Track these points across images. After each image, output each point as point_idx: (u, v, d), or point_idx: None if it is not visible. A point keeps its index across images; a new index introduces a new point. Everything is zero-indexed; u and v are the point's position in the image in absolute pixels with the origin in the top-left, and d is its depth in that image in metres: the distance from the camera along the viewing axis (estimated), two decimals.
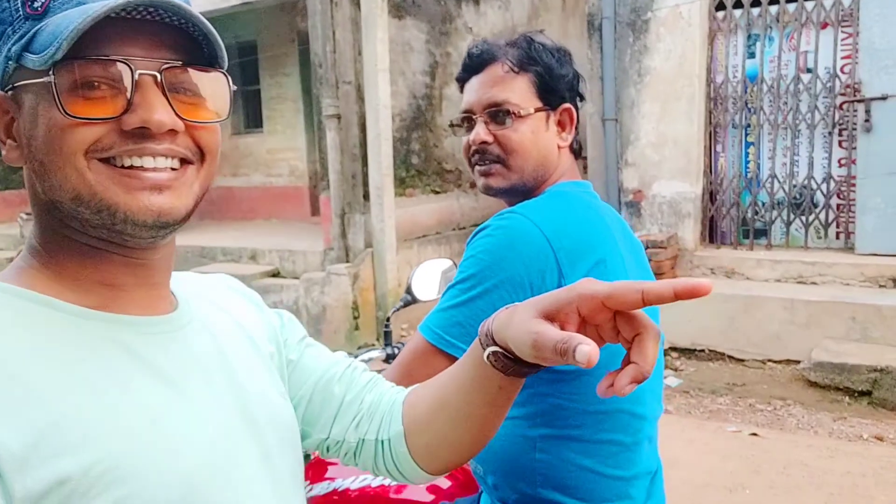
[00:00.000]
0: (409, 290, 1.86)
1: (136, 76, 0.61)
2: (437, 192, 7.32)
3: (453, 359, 1.08)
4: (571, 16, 9.45)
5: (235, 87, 0.69)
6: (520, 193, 1.27)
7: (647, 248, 5.13)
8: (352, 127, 6.12)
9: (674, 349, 4.95)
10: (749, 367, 4.66)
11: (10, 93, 0.64)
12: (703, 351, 4.90)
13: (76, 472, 0.57)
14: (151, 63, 0.62)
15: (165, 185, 0.63)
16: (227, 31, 9.05)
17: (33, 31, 0.61)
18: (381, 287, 6.02)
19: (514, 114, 1.21)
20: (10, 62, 0.63)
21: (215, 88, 0.67)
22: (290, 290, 6.31)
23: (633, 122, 5.41)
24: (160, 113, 0.61)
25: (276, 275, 6.74)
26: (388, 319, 1.88)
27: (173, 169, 0.64)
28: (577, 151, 1.32)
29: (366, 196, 6.10)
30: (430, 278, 1.84)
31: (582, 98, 1.31)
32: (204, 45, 0.65)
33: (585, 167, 5.91)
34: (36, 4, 0.62)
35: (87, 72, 0.60)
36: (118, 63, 0.60)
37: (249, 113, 9.89)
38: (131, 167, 0.62)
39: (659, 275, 5.10)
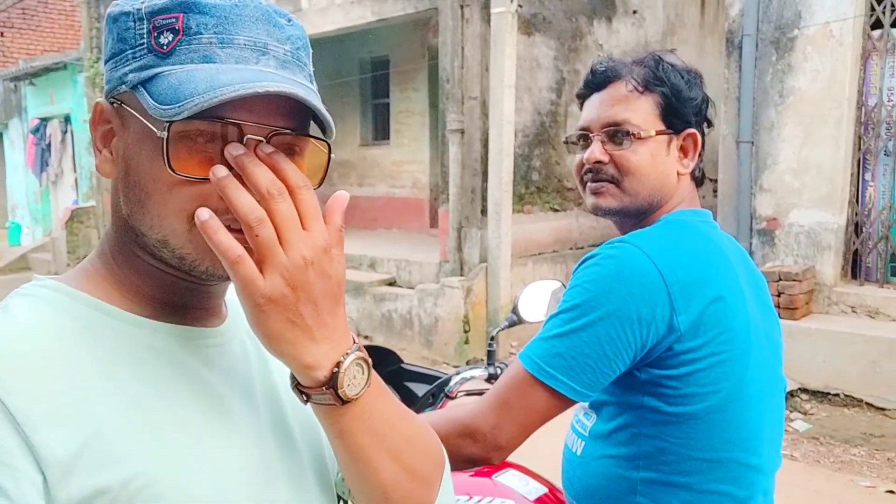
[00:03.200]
0: (515, 310, 1.82)
1: (245, 140, 0.61)
2: (556, 210, 7.21)
3: (551, 391, 1.03)
4: (710, 33, 9.07)
5: (334, 156, 0.69)
6: (631, 216, 1.20)
7: (779, 279, 4.79)
8: (474, 142, 6.16)
9: (804, 391, 4.58)
10: (889, 417, 4.23)
11: (114, 106, 0.65)
12: (837, 395, 4.50)
13: (116, 484, 0.57)
14: (261, 129, 0.62)
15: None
16: (362, 47, 9.42)
17: (156, 70, 0.61)
18: (493, 302, 5.99)
19: (633, 135, 1.15)
20: (123, 84, 0.63)
21: (315, 159, 0.67)
22: (404, 299, 6.42)
23: (772, 146, 5.09)
24: None
25: (392, 283, 6.88)
26: (492, 338, 1.85)
27: None
28: (700, 179, 1.23)
29: (484, 211, 6.11)
30: (537, 299, 1.79)
31: (710, 124, 1.23)
32: (313, 114, 0.65)
33: (715, 191, 5.62)
34: (163, 41, 0.62)
35: (198, 130, 0.60)
36: (230, 125, 0.61)
37: (378, 125, 10.21)
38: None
39: (791, 309, 4.74)
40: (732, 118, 5.24)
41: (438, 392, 1.74)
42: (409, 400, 1.82)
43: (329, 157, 0.68)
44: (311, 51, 0.70)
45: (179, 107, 0.58)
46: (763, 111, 5.11)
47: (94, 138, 0.67)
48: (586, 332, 1.03)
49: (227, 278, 0.63)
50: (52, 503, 0.55)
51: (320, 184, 0.68)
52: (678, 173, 1.18)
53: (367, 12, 7.09)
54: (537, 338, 1.08)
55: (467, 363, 5.74)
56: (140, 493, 0.58)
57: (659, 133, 1.16)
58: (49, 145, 11.97)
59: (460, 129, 6.13)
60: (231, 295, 0.77)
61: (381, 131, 10.13)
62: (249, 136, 0.61)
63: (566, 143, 1.28)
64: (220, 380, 0.69)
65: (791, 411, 4.46)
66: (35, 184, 12.53)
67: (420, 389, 1.83)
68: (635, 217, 1.20)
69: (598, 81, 1.20)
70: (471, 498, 1.47)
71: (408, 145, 9.58)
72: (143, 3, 0.63)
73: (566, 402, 1.05)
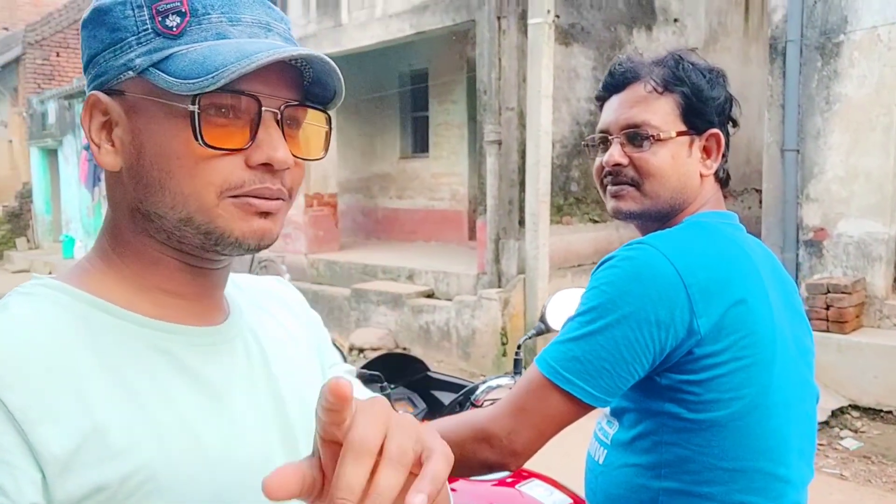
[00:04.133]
0: (542, 319, 1.79)
1: (262, 112, 0.63)
2: (596, 222, 7.13)
3: (567, 395, 1.01)
4: (754, 40, 8.90)
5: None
6: (653, 219, 1.17)
7: (827, 292, 4.63)
8: (512, 153, 6.14)
9: (854, 407, 4.40)
10: None
11: (115, 98, 0.65)
12: (890, 413, 4.32)
13: (114, 480, 0.57)
14: (274, 101, 0.64)
15: (272, 211, 0.66)
16: (401, 60, 9.51)
17: (170, 51, 0.62)
18: (531, 314, 5.94)
19: (653, 136, 1.12)
20: (128, 71, 0.64)
21: (318, 128, 0.70)
22: (442, 311, 6.41)
23: (818, 154, 4.95)
24: (282, 151, 0.64)
25: (430, 295, 6.88)
26: (518, 347, 1.83)
27: (276, 198, 0.67)
28: (725, 181, 1.20)
29: (521, 222, 6.07)
30: (565, 307, 1.76)
31: (735, 124, 1.19)
32: (316, 86, 0.68)
33: (760, 201, 5.48)
34: (170, 23, 0.63)
35: (223, 103, 0.62)
36: (250, 98, 0.63)
37: (417, 138, 10.28)
38: (247, 194, 0.65)
39: (841, 323, 4.58)
40: (777, 126, 5.12)
41: (465, 400, 1.73)
42: (436, 408, 1.81)
43: (330, 128, 0.71)
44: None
45: (214, 77, 0.59)
46: (809, 119, 4.97)
47: (89, 132, 0.67)
48: (603, 335, 1.00)
49: (255, 249, 0.66)
50: (52, 500, 0.55)
51: (325, 153, 0.72)
52: (701, 175, 1.15)
53: (406, 26, 7.16)
54: (554, 341, 1.06)
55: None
56: (139, 489, 0.58)
57: (680, 134, 1.13)
58: None
59: (498, 140, 6.12)
60: (232, 290, 0.78)
61: (420, 144, 10.19)
62: (266, 107, 0.63)
63: (585, 146, 1.25)
64: (221, 377, 0.68)
65: (841, 429, 4.29)
66: (88, 198, 12.94)
67: (446, 398, 1.82)
68: (657, 220, 1.17)
69: (616, 83, 1.17)
70: None
71: (446, 157, 9.62)
72: None
73: (584, 408, 1.02)
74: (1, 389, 0.55)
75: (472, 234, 8.24)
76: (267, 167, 0.64)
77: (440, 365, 6.12)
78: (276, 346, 0.78)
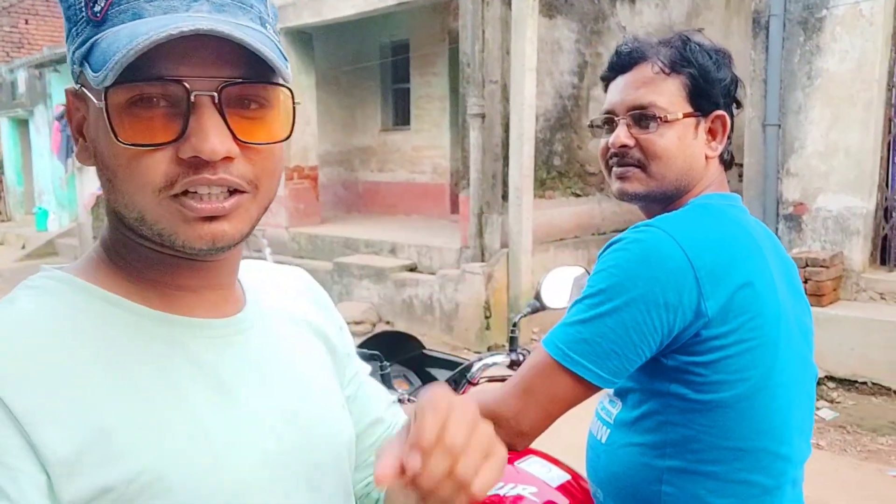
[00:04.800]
0: (537, 297, 1.80)
1: (193, 97, 0.57)
2: (578, 196, 7.15)
3: (575, 376, 1.02)
4: (736, 14, 8.89)
5: (300, 102, 0.64)
6: (658, 201, 1.17)
7: (805, 265, 4.71)
8: (495, 126, 6.11)
9: (830, 378, 4.51)
10: None
11: (80, 92, 0.62)
12: (864, 384, 4.43)
13: (121, 481, 0.56)
14: (209, 82, 0.58)
15: (220, 213, 0.60)
16: (381, 31, 9.38)
17: (93, 39, 0.58)
18: (514, 289, 5.97)
19: (659, 118, 1.12)
20: (75, 65, 0.61)
21: (279, 105, 0.62)
22: (425, 284, 6.42)
23: (799, 129, 4.99)
24: (212, 141, 0.57)
25: (413, 269, 6.88)
26: (514, 325, 1.83)
27: (231, 193, 0.61)
28: (729, 162, 1.20)
29: (505, 196, 6.07)
30: (560, 285, 1.77)
31: (739, 105, 1.20)
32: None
33: (741, 175, 5.54)
34: (96, 9, 0.58)
35: (141, 93, 0.57)
36: (173, 83, 0.57)
37: (398, 110, 10.18)
38: (185, 193, 0.59)
39: (819, 296, 4.66)
40: (759, 101, 5.14)
41: (460, 378, 1.73)
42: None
43: (294, 104, 0.63)
44: None
45: (105, 71, 0.55)
46: (790, 93, 5.00)
47: (71, 129, 0.65)
48: (611, 317, 1.01)
49: (213, 250, 0.62)
50: (59, 503, 0.54)
51: (290, 133, 0.64)
52: (706, 156, 1.15)
53: None
54: (561, 323, 1.06)
55: (488, 349, 5.74)
56: (147, 489, 0.57)
57: (686, 115, 1.13)
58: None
59: (481, 113, 6.08)
60: (248, 275, 0.75)
61: (401, 116, 10.10)
62: (197, 91, 0.57)
63: (591, 126, 1.25)
64: (231, 372, 0.66)
65: (818, 399, 4.40)
66: (61, 170, 12.66)
67: (442, 375, 1.82)
68: (662, 202, 1.17)
69: (623, 63, 1.17)
70: None
71: (428, 130, 9.55)
72: None
73: (591, 389, 1.03)
74: (4, 390, 0.53)
75: (455, 208, 8.23)
76: (199, 160, 0.58)
77: (423, 339, 6.12)
78: (293, 333, 0.76)
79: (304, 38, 8.37)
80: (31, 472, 0.53)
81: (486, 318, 5.93)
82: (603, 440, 1.17)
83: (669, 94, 1.12)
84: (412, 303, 6.52)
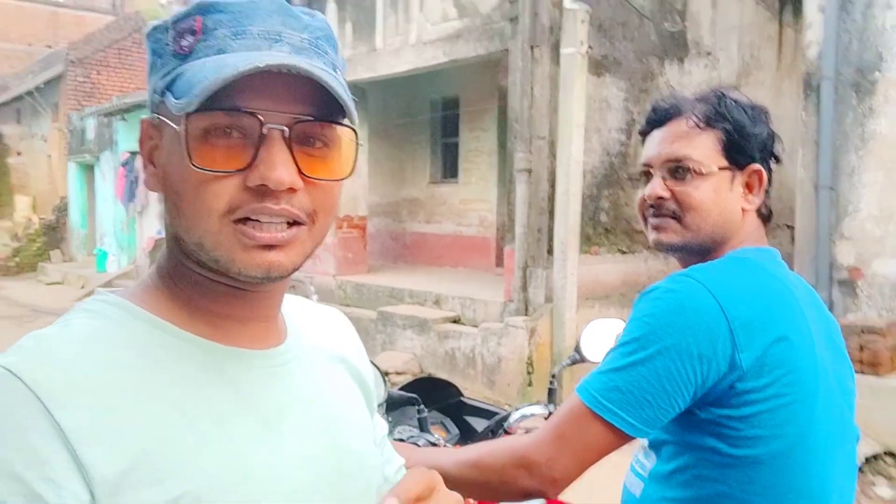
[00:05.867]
0: (577, 349, 1.80)
1: (265, 130, 0.61)
2: (625, 252, 7.10)
3: (608, 425, 1.02)
4: (787, 76, 8.87)
5: (363, 144, 0.68)
6: (694, 253, 1.18)
7: (861, 333, 4.55)
8: (541, 181, 6.17)
9: (890, 454, 4.29)
10: None
11: (156, 122, 0.66)
12: None
13: (162, 503, 0.57)
14: (281, 117, 0.61)
15: (278, 242, 0.63)
16: (432, 86, 9.63)
17: (177, 70, 0.63)
18: (557, 344, 5.91)
19: (694, 171, 1.14)
20: (156, 95, 0.65)
21: (342, 145, 0.66)
22: (468, 337, 6.41)
23: (852, 192, 4.90)
24: (279, 171, 0.61)
25: (456, 321, 6.88)
26: (553, 376, 1.83)
27: (289, 224, 0.64)
28: (767, 216, 1.21)
29: (550, 251, 6.07)
30: (600, 338, 1.77)
31: (777, 160, 1.21)
32: (337, 99, 0.63)
33: (792, 238, 5.43)
34: (184, 43, 0.63)
35: (218, 120, 0.61)
36: (249, 115, 0.61)
37: (447, 164, 10.35)
38: (247, 220, 0.62)
39: (875, 365, 4.48)
40: (810, 162, 5.08)
41: (497, 427, 1.74)
42: (468, 434, 1.82)
43: (357, 144, 0.67)
44: (336, 43, 0.68)
45: (189, 97, 0.59)
46: (843, 156, 4.94)
47: (143, 156, 0.69)
48: (645, 366, 1.01)
49: (266, 279, 0.64)
50: None
51: (351, 172, 0.67)
52: (743, 210, 1.17)
53: (440, 53, 7.27)
54: (596, 371, 1.07)
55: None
56: None
57: (721, 169, 1.14)
58: (137, 178, 12.63)
59: (528, 168, 6.15)
60: (289, 309, 0.77)
61: (449, 170, 10.27)
62: (270, 125, 0.61)
63: (630, 179, 1.29)
64: (272, 402, 0.68)
65: (874, 476, 4.19)
66: (122, 213, 13.21)
67: (479, 424, 1.83)
68: (699, 253, 1.18)
69: (659, 118, 1.20)
70: None
71: (476, 184, 9.67)
72: (171, 15, 0.66)
73: (624, 438, 1.03)
74: (55, 409, 0.55)
75: (500, 261, 8.25)
76: (264, 188, 0.61)
77: (465, 392, 6.07)
78: (331, 370, 0.78)
79: (357, 93, 8.46)
80: (75, 490, 0.54)
81: (529, 373, 5.87)
82: (637, 494, 1.16)
83: (704, 148, 1.14)
84: (454, 355, 6.51)
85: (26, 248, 15.48)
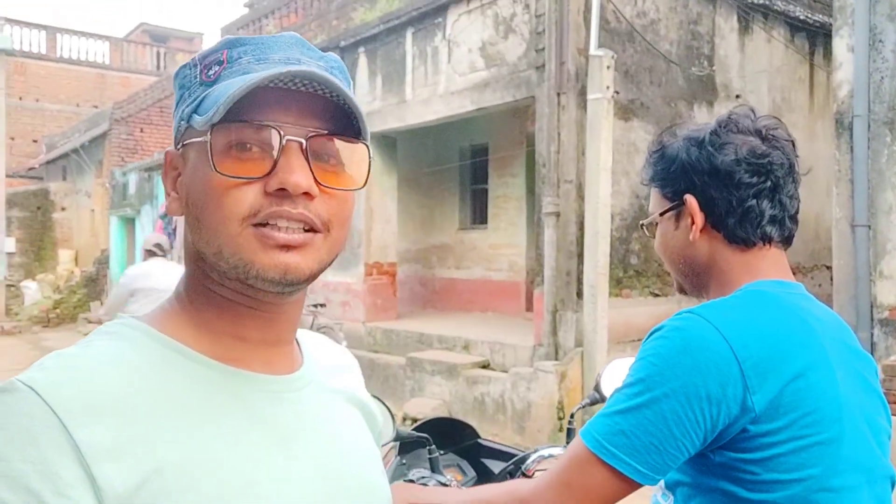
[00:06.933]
0: (597, 388, 1.75)
1: (284, 141, 0.65)
2: (657, 295, 6.98)
3: (613, 471, 0.97)
4: (820, 117, 8.78)
5: (373, 158, 0.72)
6: (697, 292, 1.21)
7: None
8: (570, 225, 6.14)
9: None
10: None
11: (180, 150, 0.71)
12: None
13: None
14: (299, 130, 0.66)
15: (294, 245, 0.66)
16: (461, 134, 9.76)
17: (203, 94, 0.68)
18: (588, 388, 5.78)
19: (649, 225, 1.25)
20: (182, 122, 0.70)
21: (356, 159, 0.70)
22: (497, 382, 6.32)
23: (890, 230, 4.78)
24: (297, 175, 0.64)
25: (486, 366, 6.80)
26: (571, 416, 1.78)
27: (305, 230, 0.67)
28: (788, 239, 1.13)
29: (579, 294, 6.01)
30: (620, 376, 1.72)
31: (730, 177, 1.11)
32: (351, 117, 0.68)
33: (831, 278, 5.29)
34: (210, 72, 0.69)
35: (240, 134, 0.65)
36: (269, 127, 0.65)
37: (476, 210, 10.41)
38: (266, 224, 0.65)
39: None
40: (846, 201, 4.98)
41: (515, 470, 1.68)
42: (485, 476, 1.77)
43: (370, 160, 0.71)
44: (349, 79, 0.74)
45: (214, 109, 0.63)
46: (879, 194, 4.83)
47: (165, 185, 0.73)
48: (650, 408, 0.96)
49: (283, 283, 0.66)
50: None
51: (364, 184, 0.71)
52: (692, 241, 1.15)
53: (468, 102, 7.37)
54: (600, 413, 1.02)
55: None
56: None
57: (663, 213, 1.19)
58: (174, 230, 12.96)
59: (556, 211, 6.14)
60: (304, 339, 0.80)
61: (479, 215, 10.31)
62: (289, 137, 0.65)
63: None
64: (286, 426, 0.70)
65: None
66: None
67: (496, 466, 1.77)
68: (701, 291, 1.20)
69: None
70: None
71: (504, 229, 9.68)
72: (198, 54, 0.72)
73: (631, 485, 0.98)
74: (72, 425, 0.57)
75: (529, 305, 8.17)
76: (283, 192, 0.65)
77: (495, 438, 5.96)
78: (342, 401, 0.80)
79: (388, 142, 8.80)
80: None
81: (560, 418, 5.74)
82: None
83: (653, 201, 1.23)
84: (483, 400, 6.41)
85: (67, 299, 15.83)
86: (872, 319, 4.82)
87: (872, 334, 4.82)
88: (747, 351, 0.97)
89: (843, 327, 1.12)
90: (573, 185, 6.14)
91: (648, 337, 1.05)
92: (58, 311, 15.49)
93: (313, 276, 0.68)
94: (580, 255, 6.01)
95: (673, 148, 1.17)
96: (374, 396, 1.44)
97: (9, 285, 15.44)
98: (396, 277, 9.14)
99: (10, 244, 15.80)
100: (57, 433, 0.56)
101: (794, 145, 1.14)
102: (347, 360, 0.88)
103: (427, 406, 6.53)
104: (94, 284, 16.40)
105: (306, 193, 0.65)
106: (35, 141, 21.42)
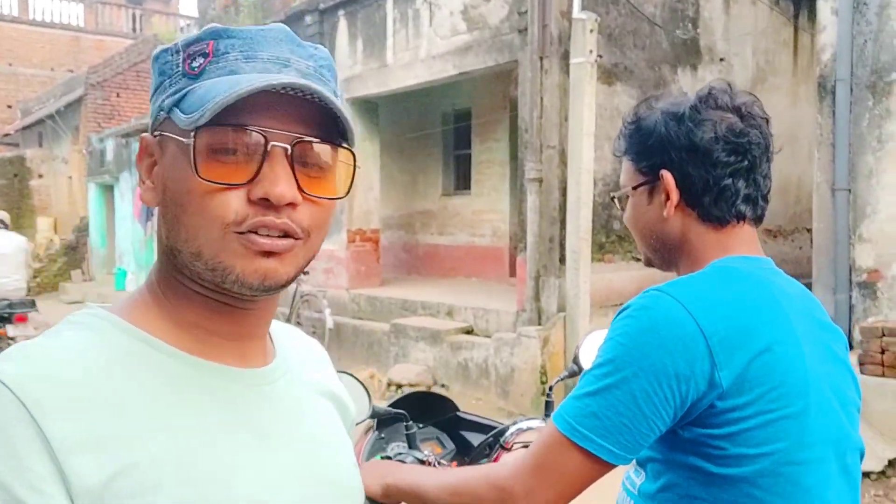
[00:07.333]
0: (575, 360, 1.76)
1: (269, 147, 0.64)
2: (638, 259, 7.01)
3: (587, 453, 0.97)
4: (803, 80, 8.76)
5: (360, 167, 0.70)
6: (667, 267, 1.20)
7: (882, 335, 4.45)
8: (553, 190, 6.12)
9: None
10: None
11: (157, 138, 0.69)
12: None
13: None
14: (285, 136, 0.64)
15: (276, 249, 0.65)
16: (444, 99, 9.64)
17: (187, 89, 0.65)
18: (571, 353, 5.83)
19: (620, 198, 1.22)
20: (161, 112, 0.67)
21: (340, 166, 0.69)
22: (480, 348, 6.36)
23: (870, 194, 4.80)
24: (282, 186, 0.63)
25: (469, 332, 6.84)
26: (549, 388, 1.79)
27: (285, 237, 0.66)
28: (760, 218, 1.14)
29: (562, 260, 6.02)
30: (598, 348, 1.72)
31: (706, 154, 1.09)
32: (337, 123, 0.67)
33: (811, 241, 5.33)
34: (194, 65, 0.66)
35: (224, 138, 0.63)
36: (254, 133, 0.63)
37: (459, 175, 10.35)
38: (248, 231, 0.64)
39: (894, 368, 4.37)
40: (827, 165, 5.00)
41: (494, 442, 1.69)
42: (465, 449, 1.78)
43: (354, 166, 0.70)
44: (336, 74, 0.72)
45: (200, 113, 0.61)
46: (860, 158, 4.85)
47: (140, 172, 0.71)
48: (620, 389, 0.96)
49: (262, 288, 0.65)
50: None
51: (347, 192, 0.70)
52: (666, 217, 1.13)
53: (450, 66, 7.27)
54: (570, 396, 1.02)
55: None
56: None
57: (636, 187, 1.17)
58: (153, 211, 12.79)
59: (538, 177, 6.11)
60: (277, 332, 0.80)
61: (462, 181, 10.26)
62: (274, 143, 0.63)
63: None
64: (261, 419, 0.69)
65: None
66: (140, 233, 13.35)
67: (476, 439, 1.78)
68: (671, 266, 1.19)
69: None
70: None
71: (488, 195, 9.65)
72: (180, 39, 0.69)
73: (605, 466, 0.98)
74: (41, 417, 0.56)
75: (513, 271, 8.20)
76: (267, 202, 0.63)
77: (478, 403, 6.05)
78: (315, 393, 0.80)
79: (369, 107, 8.69)
80: (58, 499, 0.55)
81: (542, 382, 5.80)
82: None
83: (625, 172, 1.20)
84: (467, 366, 6.46)
85: (47, 268, 15.66)
86: (851, 282, 4.88)
87: (851, 297, 4.89)
88: (714, 327, 0.96)
89: (812, 300, 1.13)
90: (556, 150, 6.10)
91: (617, 316, 1.05)
92: (38, 279, 15.33)
93: (290, 281, 0.68)
94: (563, 221, 6.00)
95: (650, 120, 1.14)
96: (350, 374, 1.44)
97: None
98: (380, 244, 9.11)
99: None
100: (27, 426, 0.55)
101: (768, 123, 1.12)
102: (319, 353, 0.88)
103: (411, 372, 6.57)
104: (75, 253, 16.22)
105: (290, 203, 0.64)
106: (10, 106, 20.95)
